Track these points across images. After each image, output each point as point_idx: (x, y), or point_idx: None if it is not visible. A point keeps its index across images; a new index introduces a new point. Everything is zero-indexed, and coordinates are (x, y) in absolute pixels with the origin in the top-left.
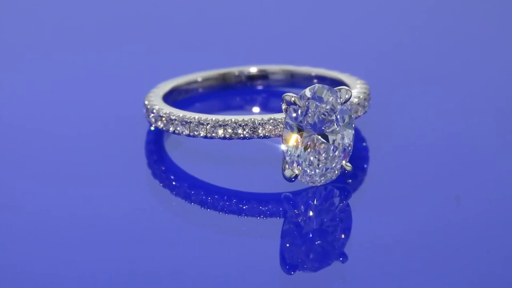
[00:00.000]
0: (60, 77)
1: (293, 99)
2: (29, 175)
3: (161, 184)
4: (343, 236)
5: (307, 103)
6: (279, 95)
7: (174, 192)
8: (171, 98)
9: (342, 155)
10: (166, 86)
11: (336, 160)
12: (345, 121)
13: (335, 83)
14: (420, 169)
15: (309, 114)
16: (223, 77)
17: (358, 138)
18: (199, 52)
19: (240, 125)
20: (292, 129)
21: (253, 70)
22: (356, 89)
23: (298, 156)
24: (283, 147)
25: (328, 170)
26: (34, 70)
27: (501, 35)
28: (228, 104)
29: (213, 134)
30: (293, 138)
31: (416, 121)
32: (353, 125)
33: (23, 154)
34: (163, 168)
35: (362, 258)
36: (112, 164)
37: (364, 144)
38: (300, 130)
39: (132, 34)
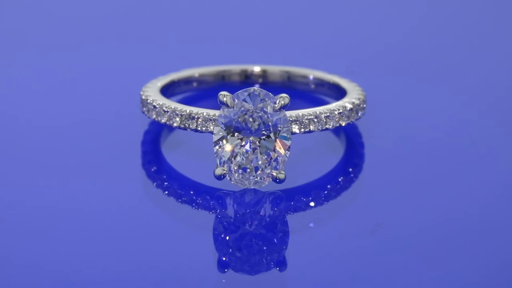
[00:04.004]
0: (60, 75)
1: (225, 98)
2: (22, 172)
3: (154, 184)
4: (280, 244)
5: (240, 104)
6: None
7: (180, 200)
8: (169, 91)
9: (274, 162)
10: (164, 79)
11: (265, 166)
12: (281, 129)
13: (331, 85)
14: (418, 169)
15: (240, 116)
16: (221, 75)
17: (357, 138)
18: (198, 49)
19: (192, 117)
20: (222, 128)
21: (252, 69)
22: (353, 93)
23: (227, 156)
24: (213, 145)
25: (256, 175)
26: (31, 66)
27: (498, 36)
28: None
29: (171, 122)
30: (223, 138)
31: (414, 122)
32: (289, 135)
33: (17, 150)
34: (158, 166)
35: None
36: (108, 161)
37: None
38: (229, 130)
39: (131, 33)
